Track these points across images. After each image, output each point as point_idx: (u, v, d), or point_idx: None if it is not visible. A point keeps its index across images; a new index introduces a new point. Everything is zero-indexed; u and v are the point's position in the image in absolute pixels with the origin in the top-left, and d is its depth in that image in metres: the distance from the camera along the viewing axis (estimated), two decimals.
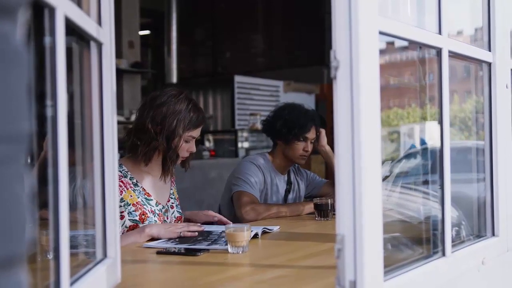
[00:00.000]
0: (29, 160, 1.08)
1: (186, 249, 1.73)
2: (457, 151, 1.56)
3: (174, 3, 8.20)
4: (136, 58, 7.25)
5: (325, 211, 2.38)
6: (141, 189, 2.08)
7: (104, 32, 1.21)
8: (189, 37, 9.56)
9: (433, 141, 1.48)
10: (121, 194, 2.00)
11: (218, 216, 2.22)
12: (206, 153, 6.06)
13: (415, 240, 1.49)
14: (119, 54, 6.77)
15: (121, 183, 2.01)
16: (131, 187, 2.05)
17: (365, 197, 1.02)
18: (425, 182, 1.65)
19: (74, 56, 1.14)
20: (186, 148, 2.10)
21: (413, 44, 1.41)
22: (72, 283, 0.96)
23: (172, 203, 2.20)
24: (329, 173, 3.45)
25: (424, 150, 1.70)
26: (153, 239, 1.90)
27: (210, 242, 1.83)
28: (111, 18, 1.24)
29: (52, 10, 0.86)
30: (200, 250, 1.69)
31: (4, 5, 0.52)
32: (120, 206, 1.99)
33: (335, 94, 1.04)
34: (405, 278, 1.18)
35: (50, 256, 0.96)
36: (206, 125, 6.92)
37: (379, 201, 1.07)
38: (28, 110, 0.56)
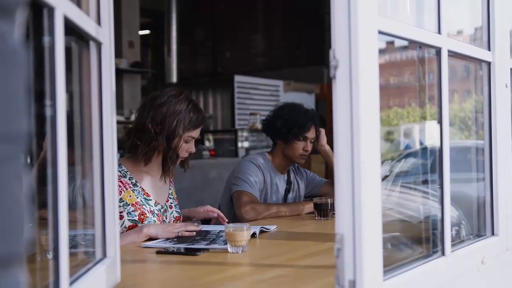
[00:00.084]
0: (28, 160, 1.08)
1: (185, 248, 1.73)
2: (457, 150, 1.56)
3: (174, 3, 8.20)
4: (136, 58, 7.25)
5: (325, 210, 2.38)
6: (140, 189, 2.08)
7: (103, 32, 1.21)
8: (189, 37, 9.56)
9: (432, 141, 1.48)
10: (120, 194, 2.00)
11: (216, 211, 2.23)
12: (206, 153, 6.06)
13: (415, 240, 1.49)
14: (119, 54, 6.78)
15: (120, 183, 2.01)
16: (130, 187, 2.05)
17: (365, 196, 1.02)
18: (425, 182, 1.65)
19: (74, 56, 1.14)
20: (186, 148, 2.10)
21: (413, 44, 1.41)
22: (71, 283, 0.96)
23: (171, 203, 2.20)
24: (329, 173, 3.45)
25: (424, 149, 1.71)
26: (151, 239, 1.90)
27: (208, 241, 1.83)
28: (110, 18, 1.24)
29: (51, 10, 0.86)
30: (200, 250, 1.69)
31: (2, 5, 0.52)
32: (119, 206, 1.99)
33: (335, 94, 1.04)
34: (404, 277, 1.18)
35: (50, 255, 0.96)
36: (206, 124, 6.93)
37: (378, 200, 1.07)
38: (26, 110, 0.56)
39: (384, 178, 1.66)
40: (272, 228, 2.13)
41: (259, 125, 6.39)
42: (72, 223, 1.11)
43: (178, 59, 8.28)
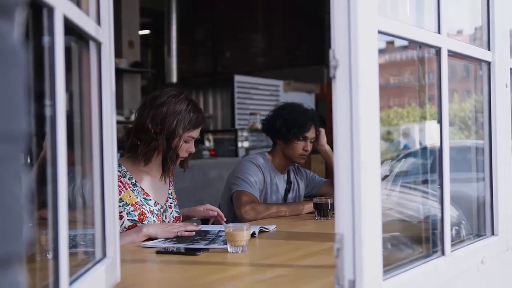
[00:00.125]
0: (28, 160, 1.08)
1: (185, 248, 1.73)
2: (457, 150, 1.56)
3: (174, 3, 8.20)
4: (136, 58, 7.25)
5: (325, 210, 2.38)
6: (140, 189, 2.08)
7: (103, 32, 1.21)
8: (189, 37, 9.57)
9: (432, 141, 1.48)
10: (120, 194, 2.00)
11: (216, 209, 2.23)
12: (206, 153, 6.06)
13: (415, 239, 1.49)
14: (119, 54, 6.78)
15: (120, 183, 2.01)
16: (130, 187, 2.05)
17: (364, 196, 1.02)
18: (425, 182, 1.65)
19: (73, 56, 1.14)
20: (186, 148, 2.10)
21: (413, 44, 1.41)
22: (71, 283, 0.96)
23: (171, 203, 2.20)
24: (329, 173, 3.45)
25: (424, 149, 1.71)
26: (150, 238, 1.90)
27: (208, 241, 1.83)
28: (110, 18, 1.24)
29: (51, 10, 0.86)
30: (199, 250, 1.69)
31: (2, 5, 0.52)
32: (119, 206, 1.99)
33: (334, 94, 1.04)
34: (404, 277, 1.18)
35: (50, 255, 0.96)
36: (206, 124, 6.93)
37: (378, 200, 1.07)
38: (26, 110, 0.56)
39: (384, 178, 1.66)
40: (272, 228, 2.13)
41: (259, 125, 6.39)
42: (72, 223, 1.11)
43: (178, 59, 8.28)
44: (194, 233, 1.95)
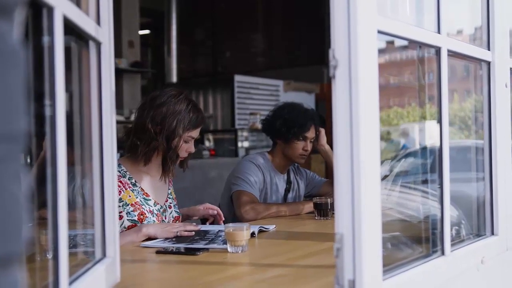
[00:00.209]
0: (28, 160, 1.08)
1: (185, 248, 1.73)
2: (457, 150, 1.56)
3: (174, 2, 8.20)
4: (136, 58, 7.25)
5: (325, 210, 2.38)
6: (139, 189, 2.08)
7: (103, 32, 1.21)
8: (189, 37, 9.57)
9: (432, 140, 1.48)
10: (119, 194, 2.00)
11: (216, 208, 2.23)
12: (206, 153, 6.06)
13: (415, 239, 1.49)
14: (119, 54, 6.78)
15: (119, 183, 2.01)
16: (129, 187, 2.05)
17: (364, 196, 1.02)
18: (425, 181, 1.65)
19: (73, 56, 1.14)
20: (185, 148, 2.10)
21: (413, 43, 1.41)
22: (71, 283, 0.96)
23: (170, 203, 2.20)
24: (329, 172, 3.45)
25: (424, 149, 1.71)
26: (149, 238, 1.90)
27: (207, 241, 1.83)
28: (110, 18, 1.24)
29: (50, 10, 0.86)
30: (199, 250, 1.69)
31: (1, 5, 0.52)
32: (119, 206, 1.99)
33: (334, 93, 1.04)
34: (404, 277, 1.18)
35: (50, 255, 0.96)
36: (206, 124, 6.93)
37: (378, 200, 1.07)
38: (25, 109, 0.56)
39: (384, 177, 1.66)
40: (271, 227, 2.13)
41: (259, 125, 6.39)
42: (72, 223, 1.11)
43: (178, 59, 8.28)
44: (193, 233, 1.95)
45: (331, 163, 2.64)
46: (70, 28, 0.98)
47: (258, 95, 7.62)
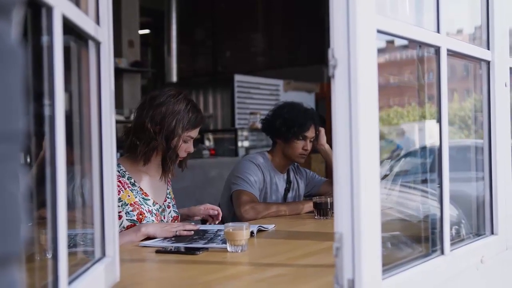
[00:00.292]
0: (28, 160, 1.08)
1: (185, 248, 1.73)
2: (457, 149, 1.56)
3: (174, 2, 8.21)
4: (136, 57, 7.25)
5: (325, 209, 2.38)
6: (138, 189, 2.08)
7: (102, 31, 1.21)
8: (189, 37, 9.57)
9: (432, 140, 1.48)
10: (118, 194, 2.00)
11: (216, 208, 2.23)
12: (206, 152, 6.06)
13: (414, 239, 1.49)
14: (119, 53, 6.78)
15: (118, 183, 2.01)
16: (128, 187, 2.05)
17: (364, 195, 1.02)
18: (424, 181, 1.65)
19: (72, 56, 1.14)
20: (184, 148, 2.10)
21: (413, 43, 1.41)
22: (70, 282, 0.96)
23: (169, 203, 2.21)
24: (329, 172, 3.45)
25: (423, 148, 1.70)
26: (149, 238, 1.90)
27: (206, 240, 1.83)
28: (109, 17, 1.24)
29: (49, 9, 0.86)
30: (199, 249, 1.69)
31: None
32: (118, 206, 1.99)
33: (333, 93, 1.04)
34: (403, 276, 1.18)
35: (49, 255, 0.96)
36: (206, 124, 6.92)
37: (377, 199, 1.07)
38: (24, 109, 0.56)
39: (384, 177, 1.66)
40: (271, 227, 2.13)
41: (259, 125, 6.39)
42: (72, 222, 1.11)
43: (178, 58, 8.28)
44: (192, 232, 1.95)
45: (331, 163, 2.64)
46: (69, 28, 0.98)
47: (258, 94, 7.62)
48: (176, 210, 2.24)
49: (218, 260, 1.60)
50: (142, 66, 7.36)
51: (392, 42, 1.32)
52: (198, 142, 6.35)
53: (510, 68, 1.72)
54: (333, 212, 2.32)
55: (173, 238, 1.89)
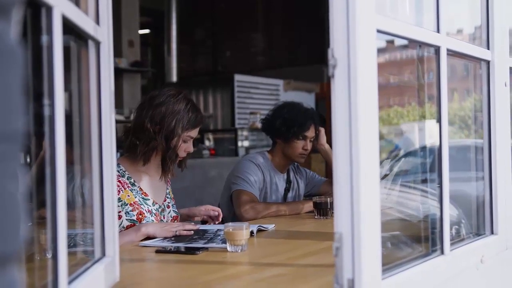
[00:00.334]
0: (28, 160, 1.08)
1: (185, 247, 1.73)
2: (457, 149, 1.56)
3: (174, 2, 8.20)
4: (136, 57, 7.25)
5: (325, 209, 2.38)
6: (138, 189, 2.08)
7: (102, 31, 1.21)
8: (189, 36, 9.57)
9: (432, 140, 1.48)
10: (118, 194, 1.99)
11: (217, 209, 2.23)
12: (206, 152, 6.06)
13: (414, 238, 1.49)
14: (119, 53, 6.77)
15: (118, 183, 2.01)
16: (128, 187, 2.05)
17: (363, 195, 1.02)
18: (424, 181, 1.65)
19: (72, 55, 1.14)
20: (184, 148, 2.10)
21: (413, 43, 1.41)
22: (70, 282, 0.96)
23: (168, 203, 2.21)
24: (329, 172, 3.45)
25: (423, 148, 1.70)
26: (148, 238, 1.90)
27: (206, 240, 1.83)
28: (109, 17, 1.24)
29: (49, 9, 0.86)
30: (199, 249, 1.69)
31: None
32: (118, 206, 1.99)
33: (333, 93, 1.04)
34: (403, 276, 1.18)
35: (49, 255, 0.96)
36: (206, 124, 6.91)
37: (377, 199, 1.07)
38: (24, 109, 0.56)
39: (384, 177, 1.66)
40: (270, 227, 2.13)
41: (259, 124, 6.39)
42: (72, 222, 1.11)
43: (178, 58, 8.28)
44: (192, 232, 1.95)
45: (331, 163, 2.64)
46: (69, 28, 0.98)
47: (258, 94, 7.62)
48: (176, 210, 2.24)
49: (218, 260, 1.60)
50: (142, 66, 7.36)
51: (392, 42, 1.32)
52: (198, 142, 6.34)
53: (510, 68, 1.72)
54: (333, 212, 2.33)
55: (173, 238, 1.89)
